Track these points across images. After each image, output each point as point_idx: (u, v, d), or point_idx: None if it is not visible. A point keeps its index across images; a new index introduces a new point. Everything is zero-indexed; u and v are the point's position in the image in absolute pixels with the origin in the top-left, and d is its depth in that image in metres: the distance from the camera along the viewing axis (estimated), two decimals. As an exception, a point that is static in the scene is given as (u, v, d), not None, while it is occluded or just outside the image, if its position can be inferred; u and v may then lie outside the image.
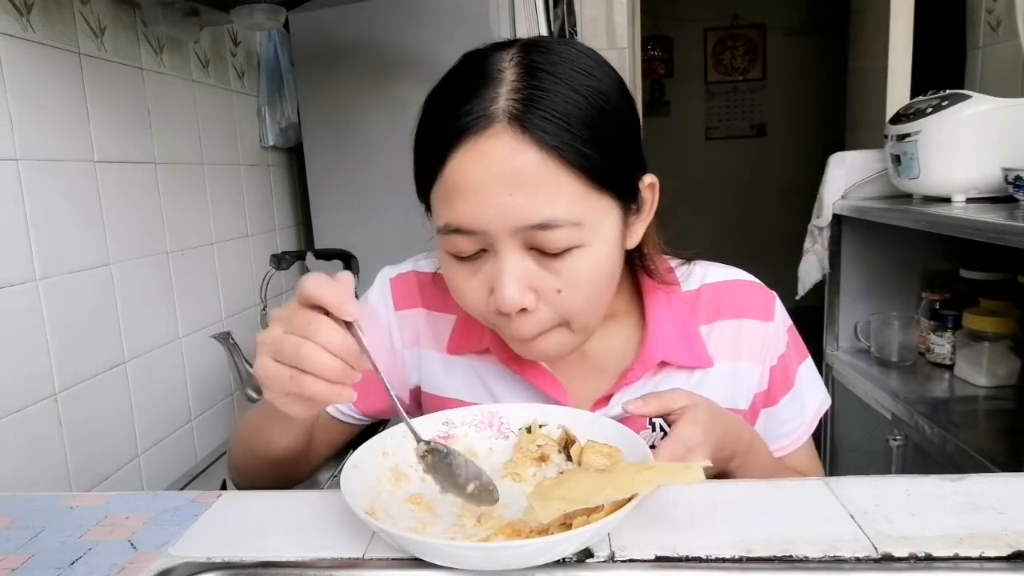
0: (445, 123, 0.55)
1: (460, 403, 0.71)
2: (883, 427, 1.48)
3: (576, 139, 0.53)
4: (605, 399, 0.69)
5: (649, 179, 0.63)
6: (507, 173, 0.52)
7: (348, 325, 0.52)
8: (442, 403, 0.73)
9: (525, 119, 0.52)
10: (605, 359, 0.71)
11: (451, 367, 0.73)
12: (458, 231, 0.55)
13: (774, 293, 0.73)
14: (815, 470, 0.76)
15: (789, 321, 0.74)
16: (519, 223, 0.53)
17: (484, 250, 0.57)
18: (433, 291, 0.74)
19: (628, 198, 0.60)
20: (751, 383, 0.71)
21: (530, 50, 0.56)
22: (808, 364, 0.75)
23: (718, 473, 0.64)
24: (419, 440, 0.59)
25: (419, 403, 0.77)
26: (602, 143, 0.55)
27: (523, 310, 0.57)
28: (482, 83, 0.54)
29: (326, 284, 0.51)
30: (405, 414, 0.59)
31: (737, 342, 0.70)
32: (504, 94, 0.53)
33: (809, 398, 0.74)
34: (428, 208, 0.61)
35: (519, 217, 0.53)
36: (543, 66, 0.54)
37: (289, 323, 0.51)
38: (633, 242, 0.63)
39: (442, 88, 0.59)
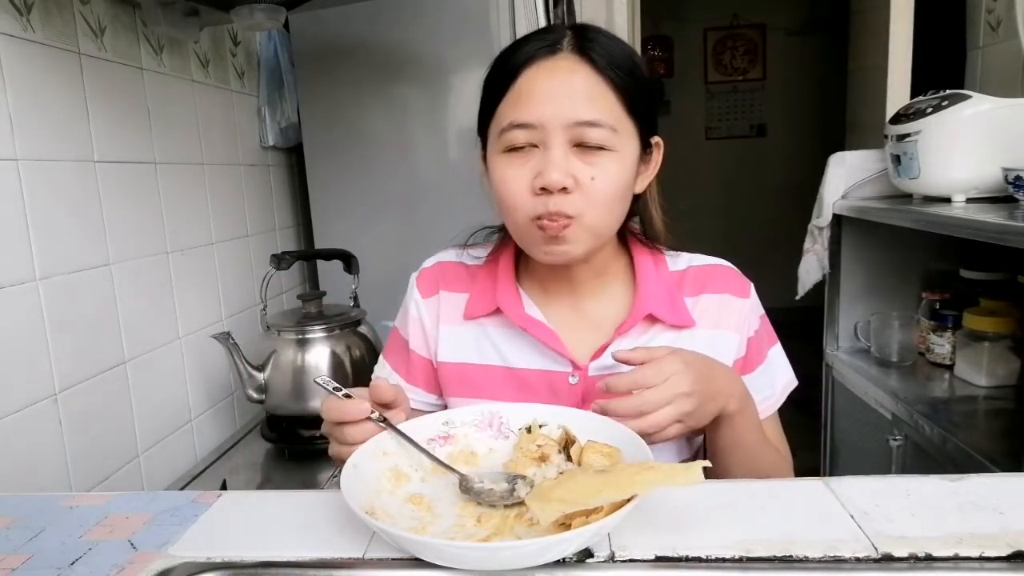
0: (519, 53, 0.72)
1: (471, 365, 0.82)
2: (883, 427, 1.48)
3: (620, 70, 0.71)
4: (601, 350, 0.79)
5: (657, 139, 0.78)
6: (568, 83, 0.70)
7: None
8: (457, 368, 0.83)
9: (584, 49, 0.71)
10: (601, 318, 0.81)
11: (465, 335, 0.84)
12: (521, 126, 0.71)
13: (750, 281, 0.85)
14: (782, 443, 0.85)
15: (762, 309, 0.85)
16: (572, 119, 0.69)
17: (535, 147, 0.71)
18: (452, 276, 0.87)
19: (645, 138, 0.75)
20: (731, 349, 0.80)
21: (579, 25, 0.75)
22: (778, 347, 0.86)
23: (717, 417, 0.72)
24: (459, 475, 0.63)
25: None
26: (635, 81, 0.72)
27: (563, 189, 0.70)
28: (549, 32, 0.74)
29: (335, 409, 0.65)
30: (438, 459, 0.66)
31: (719, 313, 0.81)
32: (567, 37, 0.72)
33: (779, 374, 0.85)
34: (484, 144, 0.78)
35: (573, 114, 0.69)
36: (593, 29, 0.74)
37: (334, 437, 0.67)
38: (640, 187, 0.78)
39: (512, 43, 0.76)
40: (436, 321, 0.86)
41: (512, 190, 0.72)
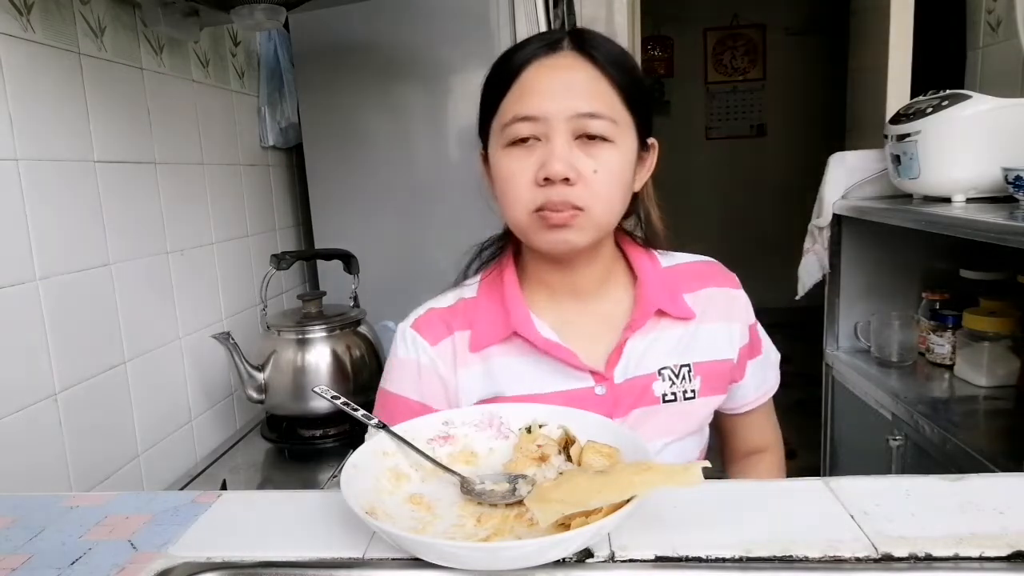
0: (521, 53, 0.76)
1: (499, 399, 0.78)
2: (883, 427, 1.48)
3: (618, 67, 0.75)
4: (617, 350, 0.79)
5: (653, 140, 0.81)
6: (569, 79, 0.74)
7: None
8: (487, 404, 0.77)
9: (583, 46, 0.75)
10: (608, 320, 0.82)
11: (478, 372, 0.80)
12: (525, 119, 0.73)
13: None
14: (774, 431, 0.94)
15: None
16: (574, 111, 0.72)
17: (537, 140, 0.73)
18: (453, 317, 0.83)
19: (642, 135, 0.78)
20: (735, 338, 0.84)
21: (578, 28, 0.79)
22: (758, 324, 0.91)
23: None
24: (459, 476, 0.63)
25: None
26: (633, 79, 0.76)
27: (566, 180, 0.72)
28: (548, 33, 0.76)
29: None
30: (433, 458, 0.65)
31: (724, 305, 0.85)
32: (567, 38, 0.76)
33: (770, 351, 0.92)
34: (484, 147, 0.80)
35: (574, 107, 0.72)
36: (590, 31, 0.78)
37: None
38: (638, 185, 0.81)
39: (513, 46, 0.79)
40: (453, 364, 0.81)
41: (516, 183, 0.74)
